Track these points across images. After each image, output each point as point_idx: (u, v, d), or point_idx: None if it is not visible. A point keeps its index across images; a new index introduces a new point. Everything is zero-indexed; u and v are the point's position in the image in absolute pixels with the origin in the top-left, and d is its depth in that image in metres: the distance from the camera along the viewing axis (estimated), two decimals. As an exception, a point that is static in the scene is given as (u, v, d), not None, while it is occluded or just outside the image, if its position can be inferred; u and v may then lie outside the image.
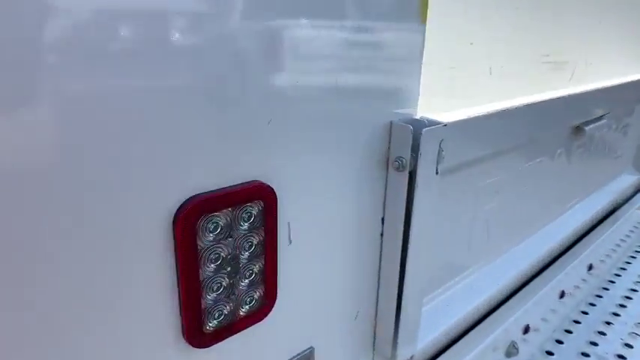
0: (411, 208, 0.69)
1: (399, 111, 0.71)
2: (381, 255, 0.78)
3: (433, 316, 0.97)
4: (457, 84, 1.93)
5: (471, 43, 1.70)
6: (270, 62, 0.58)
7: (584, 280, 1.50)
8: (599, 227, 1.65)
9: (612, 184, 1.71)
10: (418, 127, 0.68)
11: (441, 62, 1.95)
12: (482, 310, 1.07)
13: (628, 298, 1.52)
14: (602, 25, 1.42)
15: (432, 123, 0.69)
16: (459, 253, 1.03)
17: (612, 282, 1.61)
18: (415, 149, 0.67)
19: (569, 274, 1.37)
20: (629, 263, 1.66)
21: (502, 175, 1.10)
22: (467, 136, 0.82)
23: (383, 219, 0.74)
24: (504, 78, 1.59)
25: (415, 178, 0.68)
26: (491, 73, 1.61)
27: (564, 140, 1.30)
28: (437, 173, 0.68)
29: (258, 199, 0.58)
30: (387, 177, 0.69)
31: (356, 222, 0.72)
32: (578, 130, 1.25)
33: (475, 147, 0.87)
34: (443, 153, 0.69)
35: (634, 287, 1.55)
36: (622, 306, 1.49)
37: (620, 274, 1.65)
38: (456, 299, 1.02)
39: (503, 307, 1.13)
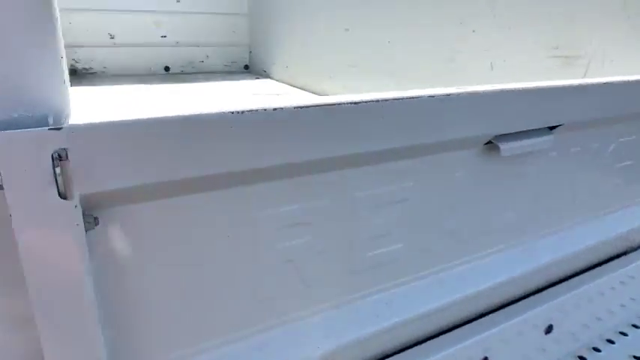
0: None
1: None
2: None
3: None
4: (452, 79, 1.74)
5: (474, 31, 1.53)
6: None
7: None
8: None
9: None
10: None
11: (441, 53, 1.77)
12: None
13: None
14: (628, 11, 1.12)
15: (41, 124, 0.44)
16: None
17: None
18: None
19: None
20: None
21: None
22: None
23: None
24: (507, 73, 1.42)
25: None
26: (492, 69, 1.44)
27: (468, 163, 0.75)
28: (65, 198, 0.46)
29: None
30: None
31: None
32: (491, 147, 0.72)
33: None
34: (72, 170, 0.45)
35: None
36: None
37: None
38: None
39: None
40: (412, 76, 1.82)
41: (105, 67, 2.85)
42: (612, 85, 0.75)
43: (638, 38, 1.10)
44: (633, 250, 1.07)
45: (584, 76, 1.23)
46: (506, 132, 0.68)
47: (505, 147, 0.66)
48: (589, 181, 0.89)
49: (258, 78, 3.02)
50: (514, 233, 0.83)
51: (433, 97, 0.59)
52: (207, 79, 2.84)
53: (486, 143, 0.69)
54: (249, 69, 3.30)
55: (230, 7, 3.11)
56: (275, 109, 0.49)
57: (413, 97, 0.55)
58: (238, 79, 2.92)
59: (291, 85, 2.73)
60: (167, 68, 3.05)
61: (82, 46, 2.74)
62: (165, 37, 2.97)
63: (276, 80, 2.91)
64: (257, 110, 0.49)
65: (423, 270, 0.72)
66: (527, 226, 0.85)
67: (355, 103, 0.52)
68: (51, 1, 0.44)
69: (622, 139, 0.86)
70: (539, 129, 0.72)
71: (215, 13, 3.08)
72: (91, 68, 2.82)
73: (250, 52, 3.27)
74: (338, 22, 2.25)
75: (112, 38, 2.81)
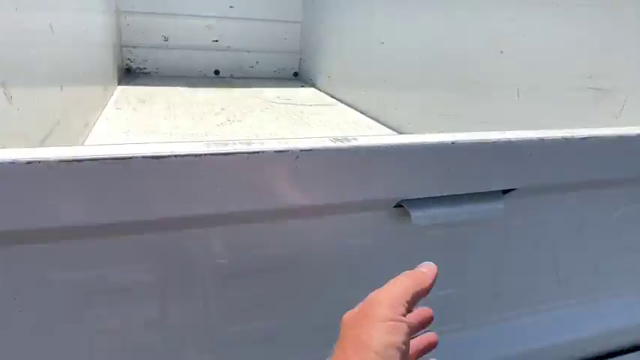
0: None
1: None
2: None
3: None
4: (469, 107, 1.51)
5: (501, 52, 1.32)
6: None
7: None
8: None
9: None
10: None
11: (466, 75, 1.54)
12: None
13: None
14: None
15: None
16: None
17: None
18: None
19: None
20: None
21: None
22: None
23: None
24: (533, 101, 1.22)
25: None
26: (518, 97, 1.24)
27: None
28: None
29: None
30: None
31: None
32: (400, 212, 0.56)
33: None
34: None
35: None
36: None
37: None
38: None
39: None
40: (437, 96, 1.65)
41: (157, 68, 2.96)
42: (595, 140, 0.57)
43: None
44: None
45: (621, 112, 1.00)
46: (418, 196, 0.53)
47: (418, 214, 0.51)
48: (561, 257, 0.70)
49: (303, 86, 2.97)
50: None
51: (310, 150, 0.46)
52: (247, 85, 2.85)
53: (395, 206, 0.54)
54: (298, 76, 3.26)
55: (284, 14, 3.10)
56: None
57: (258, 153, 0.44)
58: (279, 86, 2.88)
59: (330, 96, 2.64)
60: (217, 72, 3.10)
61: (137, 47, 2.88)
62: (216, 41, 3.02)
63: (319, 89, 2.83)
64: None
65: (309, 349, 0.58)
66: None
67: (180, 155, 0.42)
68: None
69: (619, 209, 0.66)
70: (485, 192, 0.56)
71: (268, 20, 3.08)
72: (145, 68, 2.95)
73: (300, 59, 3.23)
74: (374, 34, 2.12)
75: (166, 40, 2.92)
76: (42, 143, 1.05)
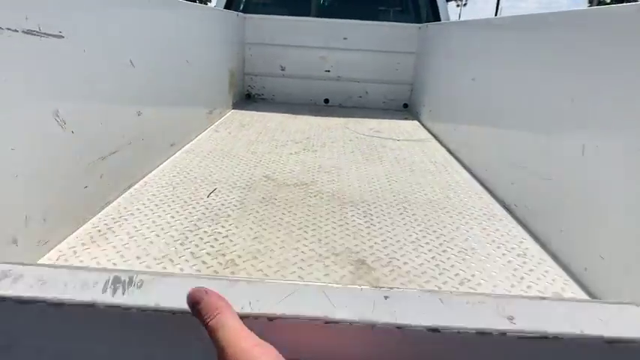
0: None
1: None
2: None
3: None
4: (543, 158, 1.24)
5: (572, 100, 1.08)
6: None
7: None
8: None
9: None
10: None
11: (540, 124, 1.25)
12: None
13: None
14: None
15: None
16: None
17: None
18: None
19: None
20: None
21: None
22: None
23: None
24: (599, 161, 1.02)
25: None
26: (583, 154, 1.03)
27: None
28: None
29: None
30: None
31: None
32: None
33: None
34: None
35: None
36: None
37: None
38: None
39: None
40: (511, 145, 1.45)
41: (274, 95, 3.22)
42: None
43: None
44: None
45: None
46: None
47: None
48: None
49: (407, 119, 2.89)
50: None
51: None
52: (349, 115, 2.89)
53: None
54: (408, 108, 3.19)
55: (397, 44, 3.08)
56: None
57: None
58: (383, 117, 2.86)
59: (428, 130, 2.52)
60: (327, 100, 3.23)
61: (257, 75, 3.17)
62: (328, 71, 3.15)
63: (421, 123, 2.73)
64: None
65: None
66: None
67: None
68: None
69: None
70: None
71: (380, 51, 3.10)
72: (262, 94, 3.23)
73: (411, 90, 3.16)
74: (467, 70, 1.97)
75: (283, 70, 3.15)
76: (103, 159, 1.24)
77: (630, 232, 0.86)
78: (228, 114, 2.69)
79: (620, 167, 0.91)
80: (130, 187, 1.42)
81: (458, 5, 54.45)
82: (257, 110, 2.84)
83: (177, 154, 1.81)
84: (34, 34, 0.94)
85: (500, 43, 1.68)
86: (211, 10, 2.48)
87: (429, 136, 2.42)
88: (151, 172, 1.58)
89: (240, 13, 3.00)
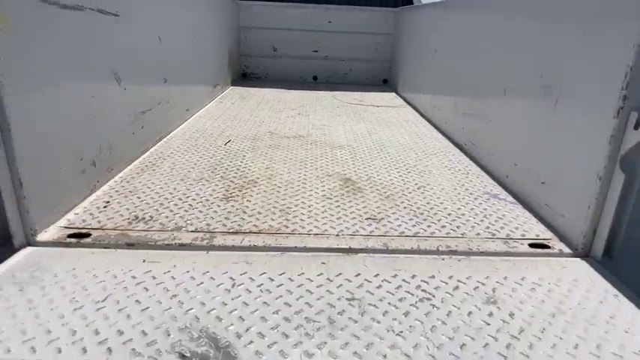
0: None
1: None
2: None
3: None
4: (479, 106, 1.61)
5: (496, 59, 1.46)
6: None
7: None
8: None
9: None
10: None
11: (492, 84, 1.63)
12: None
13: None
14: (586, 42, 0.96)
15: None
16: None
17: None
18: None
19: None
20: None
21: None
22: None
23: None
24: (513, 97, 1.41)
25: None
26: (505, 94, 1.41)
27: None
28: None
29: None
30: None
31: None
32: None
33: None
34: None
35: None
36: None
37: None
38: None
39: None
40: (463, 99, 1.84)
41: (267, 74, 3.56)
42: None
43: (596, 70, 0.98)
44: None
45: (555, 106, 1.14)
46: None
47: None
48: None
49: (385, 91, 3.27)
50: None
51: None
52: (336, 89, 3.25)
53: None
54: (387, 83, 3.56)
55: (377, 27, 3.44)
56: None
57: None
58: (366, 90, 3.23)
59: (404, 99, 2.90)
60: (315, 77, 3.58)
61: (251, 56, 3.50)
62: (316, 51, 3.50)
63: (399, 94, 3.11)
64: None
65: None
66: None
67: None
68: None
69: None
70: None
71: (362, 33, 3.46)
72: (257, 73, 3.57)
73: (389, 67, 3.53)
74: (430, 45, 2.34)
75: (275, 51, 3.49)
76: (143, 114, 1.59)
77: (529, 145, 1.25)
78: (228, 90, 3.03)
79: (525, 102, 1.30)
80: (160, 139, 1.77)
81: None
82: (253, 87, 3.19)
83: (191, 119, 2.16)
84: (101, 13, 1.28)
85: (452, 21, 2.05)
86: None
87: (404, 103, 2.80)
88: (174, 129, 1.93)
89: (236, 0, 3.32)
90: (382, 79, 3.59)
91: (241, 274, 0.89)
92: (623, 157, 0.92)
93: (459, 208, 1.24)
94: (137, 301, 0.80)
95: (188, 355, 0.67)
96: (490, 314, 0.80)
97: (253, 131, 1.97)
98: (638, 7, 0.87)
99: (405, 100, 2.88)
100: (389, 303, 0.82)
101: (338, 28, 3.44)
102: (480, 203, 1.28)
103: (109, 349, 0.68)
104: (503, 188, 1.38)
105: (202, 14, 2.40)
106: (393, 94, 3.15)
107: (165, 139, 1.79)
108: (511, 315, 0.80)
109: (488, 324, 0.77)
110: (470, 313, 0.80)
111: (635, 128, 0.89)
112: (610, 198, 0.95)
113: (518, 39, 1.38)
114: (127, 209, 1.16)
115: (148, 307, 0.78)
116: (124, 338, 0.71)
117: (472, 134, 1.71)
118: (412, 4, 3.58)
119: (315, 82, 3.56)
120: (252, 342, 0.71)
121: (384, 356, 0.70)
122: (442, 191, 1.36)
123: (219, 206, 1.20)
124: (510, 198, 1.32)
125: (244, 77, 3.56)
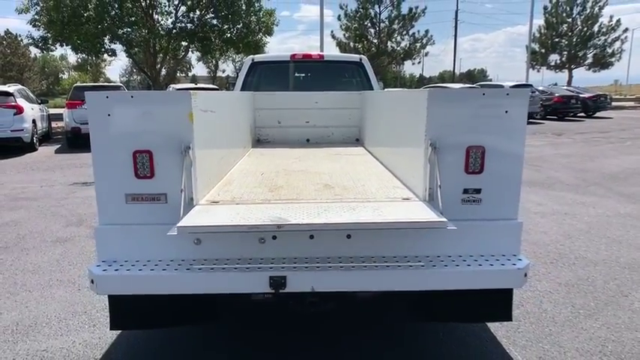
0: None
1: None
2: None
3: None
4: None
5: (391, 126, 3.00)
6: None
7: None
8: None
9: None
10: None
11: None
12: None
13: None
14: None
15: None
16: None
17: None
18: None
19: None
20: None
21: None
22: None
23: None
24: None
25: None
26: (393, 148, 2.93)
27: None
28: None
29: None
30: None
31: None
32: None
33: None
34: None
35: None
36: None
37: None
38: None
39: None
40: (388, 147, 3.35)
41: (274, 139, 5.11)
42: None
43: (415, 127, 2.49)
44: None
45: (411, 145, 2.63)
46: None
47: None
48: None
49: (356, 146, 4.80)
50: None
51: None
52: (323, 146, 4.79)
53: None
54: (359, 141, 5.12)
55: (349, 104, 5.06)
56: None
57: None
58: (343, 146, 4.76)
59: (367, 150, 4.42)
60: (308, 140, 5.13)
61: (263, 127, 5.07)
62: (308, 122, 5.08)
63: (364, 147, 4.63)
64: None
65: None
66: None
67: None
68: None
69: None
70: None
71: (339, 108, 5.06)
72: (267, 139, 5.12)
73: (359, 130, 5.11)
74: (380, 116, 3.90)
75: (279, 123, 5.07)
76: (221, 159, 3.06)
77: (408, 166, 2.74)
78: (250, 150, 4.55)
79: (402, 144, 2.80)
80: (224, 175, 3.23)
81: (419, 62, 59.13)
82: (266, 148, 4.71)
83: (234, 167, 3.63)
84: (212, 112, 2.79)
85: (383, 101, 3.62)
86: (243, 94, 4.42)
87: (367, 152, 4.31)
88: (229, 172, 3.40)
89: (253, 92, 4.95)
90: (355, 139, 5.15)
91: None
92: (429, 159, 2.39)
93: (377, 194, 2.68)
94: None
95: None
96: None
97: (273, 168, 3.45)
98: (423, 104, 2.38)
99: (368, 151, 4.41)
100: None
101: (322, 106, 5.05)
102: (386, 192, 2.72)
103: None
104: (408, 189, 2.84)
105: (240, 105, 3.97)
106: (362, 148, 4.68)
107: (226, 177, 3.25)
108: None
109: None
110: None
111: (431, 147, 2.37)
112: (426, 178, 2.41)
113: (395, 115, 2.91)
114: (229, 196, 2.59)
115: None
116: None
117: (393, 163, 3.20)
118: (372, 89, 5.23)
119: (307, 142, 5.11)
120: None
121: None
122: (368, 186, 2.81)
123: (266, 195, 2.64)
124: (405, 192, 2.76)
125: (258, 142, 5.10)
